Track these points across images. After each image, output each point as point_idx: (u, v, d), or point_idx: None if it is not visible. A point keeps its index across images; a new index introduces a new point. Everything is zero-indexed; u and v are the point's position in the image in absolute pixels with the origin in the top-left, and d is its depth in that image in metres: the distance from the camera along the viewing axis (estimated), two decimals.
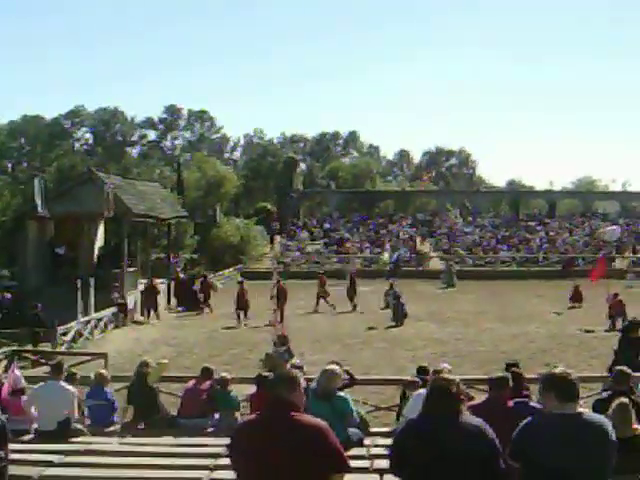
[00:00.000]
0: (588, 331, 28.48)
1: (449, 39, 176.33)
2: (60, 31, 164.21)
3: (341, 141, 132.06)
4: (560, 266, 56.47)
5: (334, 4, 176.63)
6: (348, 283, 37.80)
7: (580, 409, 5.83)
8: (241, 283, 35.14)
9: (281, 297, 30.21)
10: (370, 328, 30.56)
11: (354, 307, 36.48)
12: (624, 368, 10.45)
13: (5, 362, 18.99)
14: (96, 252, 35.39)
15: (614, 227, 61.80)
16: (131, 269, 36.38)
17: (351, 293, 37.16)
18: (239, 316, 32.45)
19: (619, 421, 7.63)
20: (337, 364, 12.08)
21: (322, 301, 36.14)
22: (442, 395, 5.86)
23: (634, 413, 8.06)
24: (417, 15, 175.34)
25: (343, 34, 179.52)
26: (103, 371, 14.02)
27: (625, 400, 8.21)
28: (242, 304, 32.80)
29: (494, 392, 8.91)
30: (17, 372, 13.50)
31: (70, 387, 12.16)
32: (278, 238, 67.92)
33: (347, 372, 12.82)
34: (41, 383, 12.61)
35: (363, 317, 34.06)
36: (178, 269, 44.06)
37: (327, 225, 70.51)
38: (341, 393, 10.38)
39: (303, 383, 6.00)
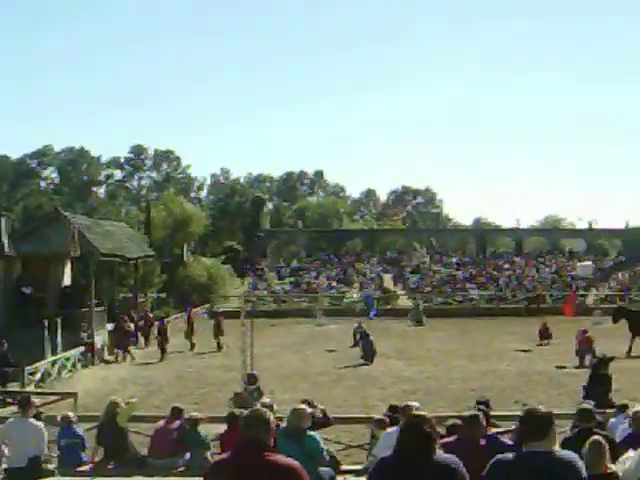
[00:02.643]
0: (561, 367, 28.65)
1: (416, 74, 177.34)
2: (25, 69, 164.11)
3: (307, 180, 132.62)
4: (526, 303, 56.55)
5: (296, 38, 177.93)
6: (214, 324, 38.37)
7: (552, 446, 5.84)
8: (162, 320, 37.44)
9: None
10: (340, 366, 30.52)
11: (219, 347, 36.96)
12: (586, 406, 10.60)
13: None
14: (63, 292, 35.17)
15: (587, 263, 62.29)
16: (98, 309, 36.15)
17: (217, 333, 37.51)
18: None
19: (592, 458, 7.67)
20: (310, 403, 12.06)
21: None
22: (415, 432, 5.85)
23: (607, 450, 8.10)
24: (381, 53, 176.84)
25: (309, 71, 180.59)
26: (70, 413, 13.88)
27: (599, 437, 8.25)
28: (164, 341, 35.14)
29: (466, 430, 8.91)
30: None
31: (39, 423, 12.09)
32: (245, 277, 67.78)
33: (323, 412, 12.82)
34: (10, 420, 12.50)
35: (333, 355, 34.04)
36: (146, 309, 43.79)
37: (295, 264, 70.39)
38: (311, 432, 10.28)
39: (274, 422, 5.97)
